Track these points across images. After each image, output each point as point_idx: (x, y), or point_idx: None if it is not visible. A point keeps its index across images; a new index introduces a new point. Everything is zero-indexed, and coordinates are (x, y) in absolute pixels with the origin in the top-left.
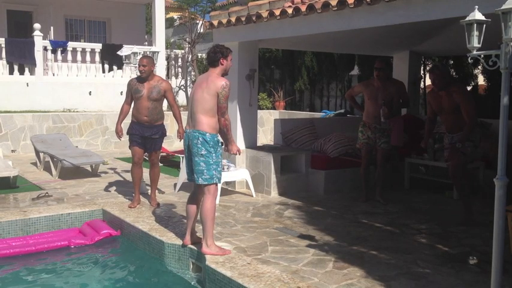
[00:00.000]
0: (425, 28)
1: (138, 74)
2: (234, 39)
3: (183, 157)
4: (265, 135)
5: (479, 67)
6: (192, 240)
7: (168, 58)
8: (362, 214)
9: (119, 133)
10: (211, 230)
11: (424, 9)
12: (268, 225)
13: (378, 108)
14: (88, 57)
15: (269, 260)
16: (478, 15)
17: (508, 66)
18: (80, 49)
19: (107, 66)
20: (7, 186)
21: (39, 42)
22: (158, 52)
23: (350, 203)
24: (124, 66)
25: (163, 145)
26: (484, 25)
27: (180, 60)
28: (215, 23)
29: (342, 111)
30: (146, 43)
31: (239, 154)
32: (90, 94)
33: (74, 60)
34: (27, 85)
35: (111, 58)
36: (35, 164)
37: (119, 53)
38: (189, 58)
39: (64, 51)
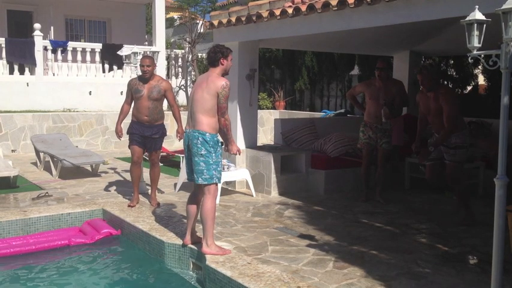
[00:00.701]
0: (426, 28)
1: (138, 73)
2: (234, 39)
3: (183, 157)
4: (266, 135)
5: (480, 67)
6: (192, 240)
7: (168, 58)
8: (362, 214)
9: (118, 133)
10: (212, 230)
11: (424, 9)
12: (268, 225)
13: (379, 108)
14: (88, 57)
15: (269, 259)
16: (478, 15)
17: (508, 66)
18: (80, 49)
19: (107, 66)
20: (7, 186)
21: (40, 42)
22: (158, 52)
23: (350, 203)
24: (124, 66)
25: (163, 145)
26: (484, 25)
27: (180, 60)
28: (215, 22)
29: (342, 111)
30: (146, 43)
31: (239, 154)
32: (90, 94)
33: (74, 60)
34: (28, 85)
35: (111, 58)
36: (35, 163)
37: (119, 53)
38: (189, 58)
39: (64, 51)
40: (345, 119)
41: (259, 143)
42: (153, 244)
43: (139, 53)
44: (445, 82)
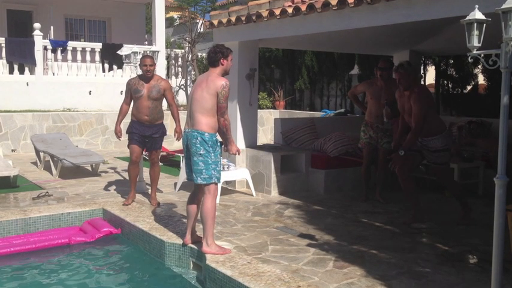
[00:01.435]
0: (426, 27)
1: (139, 73)
2: (234, 39)
3: (183, 157)
4: (266, 135)
5: (480, 66)
6: (193, 239)
7: (168, 57)
8: (362, 213)
9: (118, 134)
10: (212, 229)
11: (424, 8)
12: (268, 225)
13: (381, 107)
14: (88, 57)
15: (269, 259)
16: (478, 15)
17: (508, 65)
18: (80, 49)
19: (107, 66)
20: (7, 185)
21: (39, 41)
22: (158, 51)
23: (350, 203)
24: (124, 66)
25: (163, 144)
26: (484, 24)
27: (180, 59)
28: (215, 22)
29: (342, 110)
30: (146, 42)
31: (238, 154)
32: (90, 93)
33: (74, 60)
34: (27, 84)
35: (111, 58)
36: (35, 163)
37: (119, 52)
38: (189, 57)
39: (64, 50)
40: (345, 118)
41: (259, 142)
42: (153, 243)
43: (139, 52)
44: (445, 82)
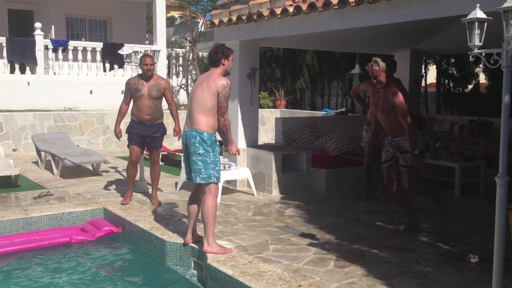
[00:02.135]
0: (427, 26)
1: (139, 73)
2: (235, 38)
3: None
4: (266, 134)
5: (481, 65)
6: (194, 238)
7: (169, 57)
8: (363, 213)
9: (118, 134)
10: (213, 229)
11: (425, 7)
12: (269, 224)
13: None
14: (89, 56)
15: (270, 258)
16: (479, 14)
17: (510, 64)
18: (81, 48)
19: (108, 65)
20: (9, 185)
21: (40, 41)
22: (159, 51)
23: (351, 202)
24: (125, 65)
25: (164, 144)
26: (486, 23)
27: (181, 59)
28: (216, 21)
29: (343, 109)
30: (147, 42)
31: (238, 154)
32: (91, 93)
33: (75, 59)
34: (28, 84)
35: (112, 57)
36: (36, 163)
37: (120, 51)
38: (190, 57)
39: (65, 50)
40: (346, 117)
41: (260, 142)
42: (154, 243)
43: (140, 52)
44: (447, 81)
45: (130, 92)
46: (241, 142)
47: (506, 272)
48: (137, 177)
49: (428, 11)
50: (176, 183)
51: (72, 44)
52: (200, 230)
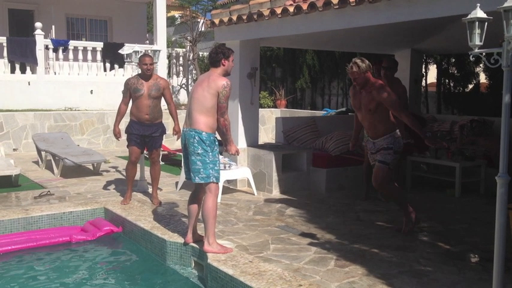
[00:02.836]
0: (427, 26)
1: (139, 73)
2: (235, 38)
3: None
4: (267, 134)
5: (481, 65)
6: (194, 238)
7: (169, 57)
8: (363, 212)
9: (117, 135)
10: (213, 228)
11: (425, 7)
12: (269, 224)
13: None
14: (89, 56)
15: (271, 258)
16: (479, 13)
17: (510, 64)
18: (82, 48)
19: (108, 65)
20: (9, 184)
21: (41, 41)
22: (160, 51)
23: (351, 201)
24: (125, 65)
25: (165, 144)
26: (486, 23)
27: (181, 58)
28: (216, 21)
29: (344, 109)
30: (147, 42)
31: (238, 155)
32: (91, 93)
33: (76, 59)
34: (29, 84)
35: (113, 57)
36: (36, 162)
37: (120, 51)
38: (190, 57)
39: (65, 50)
40: (346, 117)
41: (261, 141)
42: (154, 243)
43: (141, 51)
44: (447, 80)
45: (130, 92)
46: (241, 142)
47: (506, 272)
48: (137, 177)
49: (428, 10)
50: (177, 183)
51: (72, 43)
52: (200, 229)
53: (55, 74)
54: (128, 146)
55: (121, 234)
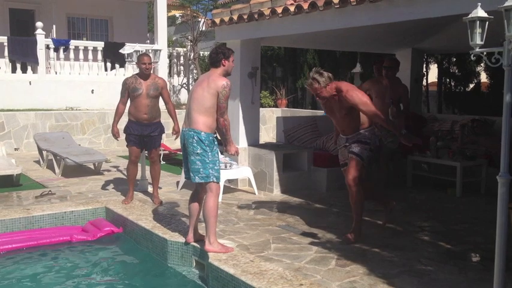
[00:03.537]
0: (428, 25)
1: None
2: (236, 37)
3: None
4: (268, 133)
5: (482, 64)
6: (195, 237)
7: (170, 56)
8: (364, 211)
9: (115, 134)
10: (214, 228)
11: (426, 6)
12: (270, 223)
13: (385, 106)
14: (90, 56)
15: (272, 257)
16: (480, 13)
17: (511, 63)
18: (82, 47)
19: (109, 65)
20: (10, 184)
21: (42, 40)
22: (160, 50)
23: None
24: (126, 65)
25: (165, 143)
26: (487, 22)
27: (182, 58)
28: (217, 21)
29: None
30: (148, 41)
31: (237, 155)
32: (92, 92)
33: (76, 59)
34: (30, 83)
35: (114, 56)
36: (38, 162)
37: (121, 51)
38: (191, 56)
39: (66, 49)
40: None
41: (262, 141)
42: (155, 242)
43: (141, 51)
44: (448, 80)
45: (128, 91)
46: (242, 141)
47: (507, 271)
48: (138, 176)
49: (429, 10)
50: (177, 182)
51: (73, 43)
52: (201, 229)
53: (56, 73)
54: (127, 146)
55: (122, 234)
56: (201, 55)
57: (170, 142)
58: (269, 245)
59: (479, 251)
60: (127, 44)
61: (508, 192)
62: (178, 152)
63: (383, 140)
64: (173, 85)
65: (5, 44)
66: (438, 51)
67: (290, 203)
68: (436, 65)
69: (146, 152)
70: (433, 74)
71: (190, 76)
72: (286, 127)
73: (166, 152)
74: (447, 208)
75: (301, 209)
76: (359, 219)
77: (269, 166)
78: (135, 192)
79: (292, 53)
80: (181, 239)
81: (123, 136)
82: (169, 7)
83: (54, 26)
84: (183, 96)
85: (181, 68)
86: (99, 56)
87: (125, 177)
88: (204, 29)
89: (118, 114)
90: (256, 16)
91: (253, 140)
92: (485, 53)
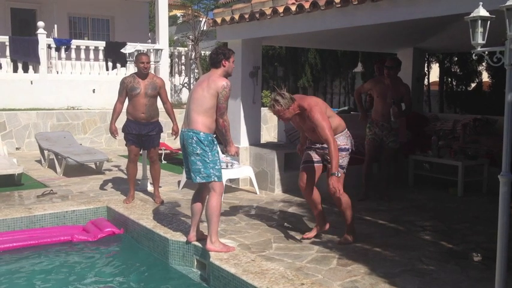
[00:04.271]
0: (430, 25)
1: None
2: (237, 37)
3: None
4: (269, 133)
5: (484, 64)
6: (197, 237)
7: (171, 56)
8: (366, 211)
9: (113, 133)
10: (216, 227)
11: (428, 5)
12: (272, 223)
13: (387, 106)
14: (92, 55)
15: (273, 256)
16: (482, 12)
17: None
18: (84, 47)
19: (110, 64)
20: (12, 183)
21: (43, 40)
22: (162, 50)
23: (353, 200)
24: (128, 64)
25: (167, 143)
26: (489, 21)
27: (183, 57)
28: (218, 20)
29: (346, 108)
30: (150, 41)
31: (237, 155)
32: (94, 92)
33: (78, 58)
34: (31, 83)
35: (115, 56)
36: (39, 161)
37: (122, 50)
38: (193, 56)
39: (68, 49)
40: (348, 116)
41: (263, 140)
42: (157, 241)
43: (143, 50)
44: (450, 79)
45: (126, 90)
46: (243, 141)
47: (509, 271)
48: (139, 176)
49: (430, 9)
50: (179, 182)
51: (74, 42)
52: (203, 228)
53: (57, 73)
54: (126, 145)
55: (123, 234)
56: (203, 55)
57: (171, 141)
58: (270, 245)
59: (481, 251)
60: (128, 43)
61: (509, 192)
62: (180, 152)
63: (384, 140)
64: (174, 84)
65: (7, 43)
66: (440, 51)
67: (291, 203)
68: (437, 65)
69: (146, 151)
70: (434, 73)
71: (192, 76)
72: (287, 126)
73: (168, 151)
74: (449, 207)
75: (302, 209)
76: (351, 220)
77: (270, 165)
78: (136, 192)
79: (294, 53)
80: (183, 239)
81: (122, 135)
82: (171, 6)
83: (55, 26)
84: (185, 95)
85: (183, 67)
86: (101, 55)
87: (126, 176)
88: (205, 28)
89: (116, 113)
90: (257, 15)
91: (254, 140)
92: (486, 52)
